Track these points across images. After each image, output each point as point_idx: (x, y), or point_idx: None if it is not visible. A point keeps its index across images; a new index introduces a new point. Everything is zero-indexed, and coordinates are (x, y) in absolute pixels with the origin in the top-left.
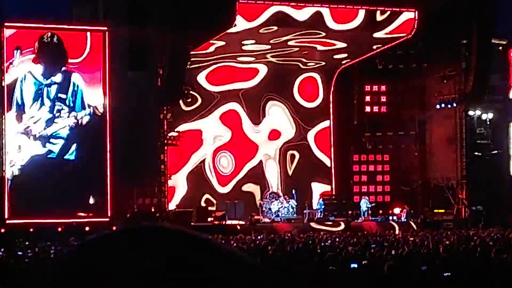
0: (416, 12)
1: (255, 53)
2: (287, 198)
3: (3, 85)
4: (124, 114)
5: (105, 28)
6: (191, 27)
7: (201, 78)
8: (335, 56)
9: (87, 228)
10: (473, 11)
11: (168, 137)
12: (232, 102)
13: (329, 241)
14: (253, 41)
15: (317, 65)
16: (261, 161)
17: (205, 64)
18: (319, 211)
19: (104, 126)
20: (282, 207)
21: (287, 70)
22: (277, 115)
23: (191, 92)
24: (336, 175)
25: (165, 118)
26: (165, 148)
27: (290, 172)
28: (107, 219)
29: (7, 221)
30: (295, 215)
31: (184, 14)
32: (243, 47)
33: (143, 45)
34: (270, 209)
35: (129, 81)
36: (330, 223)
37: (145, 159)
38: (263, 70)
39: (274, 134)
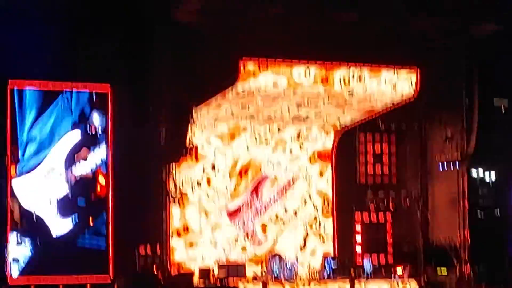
0: (418, 71)
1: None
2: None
3: None
4: (127, 173)
5: (108, 86)
6: (193, 84)
7: None
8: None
9: None
10: (474, 70)
11: (171, 194)
12: None
13: None
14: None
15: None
16: None
17: None
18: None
19: (107, 183)
20: (283, 267)
21: None
22: None
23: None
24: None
25: (167, 176)
26: (168, 205)
27: None
28: (109, 279)
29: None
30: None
31: (187, 72)
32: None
33: (146, 103)
34: (272, 270)
35: (132, 139)
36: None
37: (148, 217)
38: None
39: None
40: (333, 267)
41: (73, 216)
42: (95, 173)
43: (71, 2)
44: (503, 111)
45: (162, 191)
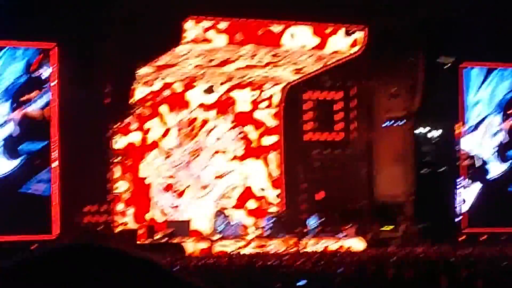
0: (365, 29)
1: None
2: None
3: None
4: (72, 131)
5: (54, 44)
6: (138, 45)
7: None
8: (284, 73)
9: (32, 247)
10: (421, 28)
11: (115, 154)
12: None
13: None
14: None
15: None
16: None
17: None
18: (266, 228)
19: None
20: (228, 224)
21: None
22: None
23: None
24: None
25: (112, 136)
26: (113, 164)
27: None
28: (54, 238)
29: None
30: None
31: (131, 32)
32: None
33: (92, 62)
34: (216, 227)
35: (77, 97)
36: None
37: (93, 176)
38: None
39: None
40: (279, 225)
41: (19, 159)
42: (42, 121)
43: None
44: (448, 68)
45: (106, 150)
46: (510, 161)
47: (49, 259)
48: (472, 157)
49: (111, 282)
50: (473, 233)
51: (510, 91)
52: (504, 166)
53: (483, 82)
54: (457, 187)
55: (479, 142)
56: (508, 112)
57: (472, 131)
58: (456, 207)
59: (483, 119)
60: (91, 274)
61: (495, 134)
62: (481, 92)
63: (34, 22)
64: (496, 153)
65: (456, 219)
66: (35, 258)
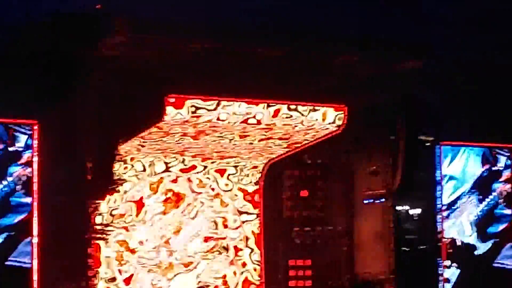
0: (346, 108)
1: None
2: None
3: None
4: (52, 208)
5: (35, 122)
6: (119, 120)
7: None
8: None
9: None
10: (401, 108)
11: (96, 231)
12: None
13: None
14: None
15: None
16: None
17: None
18: None
19: (31, 219)
20: None
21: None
22: None
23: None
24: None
25: (93, 213)
26: (93, 241)
27: None
28: None
29: None
30: None
31: (113, 107)
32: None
33: (72, 139)
34: None
35: (58, 174)
36: None
37: (73, 253)
38: None
39: None
40: None
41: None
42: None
43: None
44: (427, 145)
45: (87, 227)
46: (491, 240)
47: None
48: (454, 239)
49: None
50: None
51: (485, 170)
52: (485, 246)
53: (455, 159)
54: (439, 266)
55: (457, 221)
56: (483, 190)
57: (449, 209)
58: (437, 285)
59: (459, 198)
60: None
61: (472, 212)
62: (455, 170)
63: (13, 99)
64: (475, 232)
65: None
66: None
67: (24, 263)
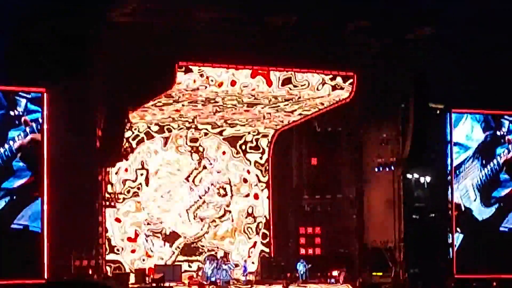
0: (355, 75)
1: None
2: (225, 261)
3: None
4: (62, 176)
5: (43, 89)
6: (130, 88)
7: None
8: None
9: None
10: (411, 75)
11: (106, 198)
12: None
13: None
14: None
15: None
16: None
17: None
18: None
19: (41, 186)
20: (218, 269)
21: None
22: None
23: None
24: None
25: (103, 180)
26: (103, 209)
27: None
28: (43, 282)
29: None
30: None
31: (123, 75)
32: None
33: (82, 107)
34: (205, 272)
35: (67, 142)
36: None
37: (83, 220)
38: None
39: None
40: (268, 270)
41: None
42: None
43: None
44: (438, 114)
45: (97, 195)
46: (495, 205)
47: None
48: (458, 204)
49: None
50: (464, 279)
51: (488, 135)
52: (489, 211)
53: (458, 125)
54: (448, 232)
55: (463, 187)
56: (488, 156)
57: (457, 176)
58: (446, 253)
59: (463, 163)
60: None
61: (476, 177)
62: (458, 136)
63: (24, 69)
64: (479, 198)
65: (447, 265)
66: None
67: (29, 226)
